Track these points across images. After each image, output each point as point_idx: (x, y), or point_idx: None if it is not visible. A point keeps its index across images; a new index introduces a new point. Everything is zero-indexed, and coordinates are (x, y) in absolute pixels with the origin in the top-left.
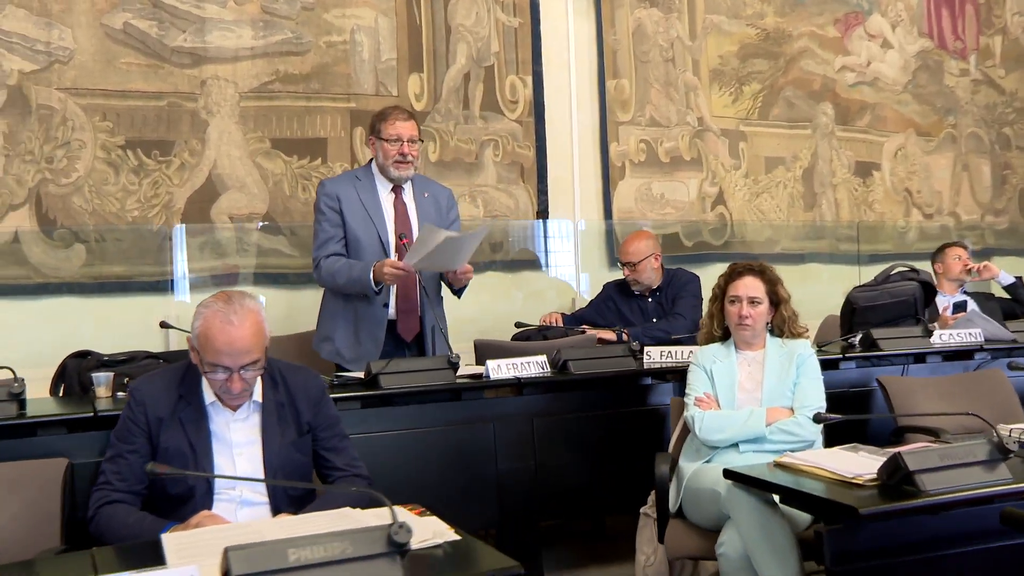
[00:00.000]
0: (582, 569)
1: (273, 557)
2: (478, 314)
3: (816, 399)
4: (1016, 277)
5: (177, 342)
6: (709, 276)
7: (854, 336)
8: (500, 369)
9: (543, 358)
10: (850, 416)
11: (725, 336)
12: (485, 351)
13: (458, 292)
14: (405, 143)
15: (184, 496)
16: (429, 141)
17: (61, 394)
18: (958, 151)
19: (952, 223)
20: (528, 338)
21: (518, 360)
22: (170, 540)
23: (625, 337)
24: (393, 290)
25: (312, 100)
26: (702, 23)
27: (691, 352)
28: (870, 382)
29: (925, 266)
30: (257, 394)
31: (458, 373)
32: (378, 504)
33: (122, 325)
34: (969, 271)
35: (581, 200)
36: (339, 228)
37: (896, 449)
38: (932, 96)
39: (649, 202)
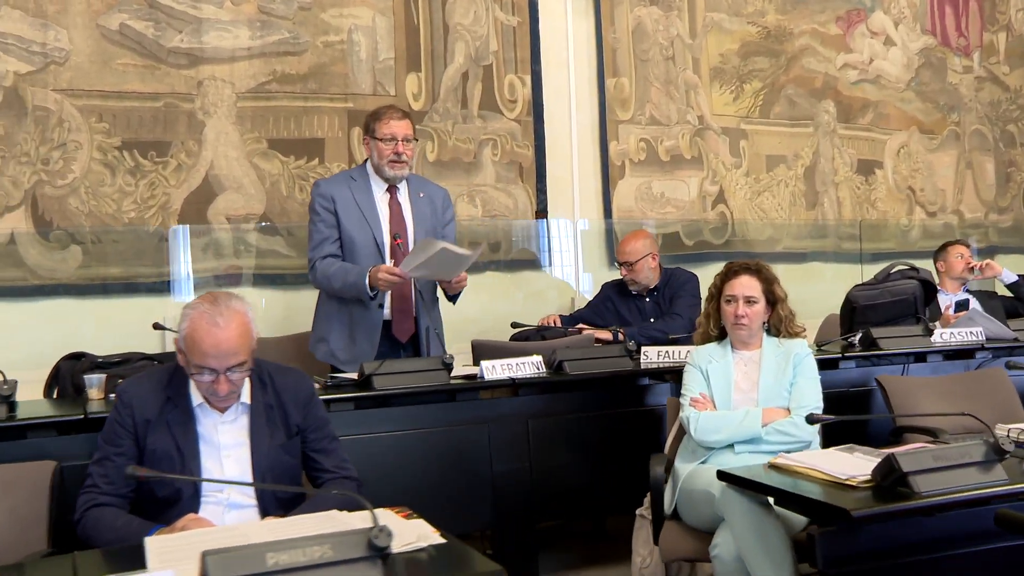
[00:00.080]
0: (580, 570)
1: (251, 561)
2: (478, 314)
3: (813, 399)
4: (1019, 275)
5: (172, 343)
6: (710, 275)
7: (854, 335)
8: (495, 370)
9: (538, 358)
10: (843, 417)
11: (721, 336)
12: (482, 351)
13: (452, 298)
14: (400, 142)
15: (171, 499)
16: (427, 141)
17: (55, 396)
18: (962, 149)
19: (956, 221)
20: (527, 338)
21: (513, 361)
22: (153, 543)
23: (621, 337)
24: (388, 292)
25: (309, 100)
26: (702, 21)
27: (688, 352)
28: (870, 382)
29: (928, 265)
30: (245, 396)
31: (453, 374)
32: (357, 508)
33: (119, 327)
34: (971, 269)
35: (581, 199)
36: (334, 229)
37: (890, 450)
38: (935, 93)
39: (649, 201)
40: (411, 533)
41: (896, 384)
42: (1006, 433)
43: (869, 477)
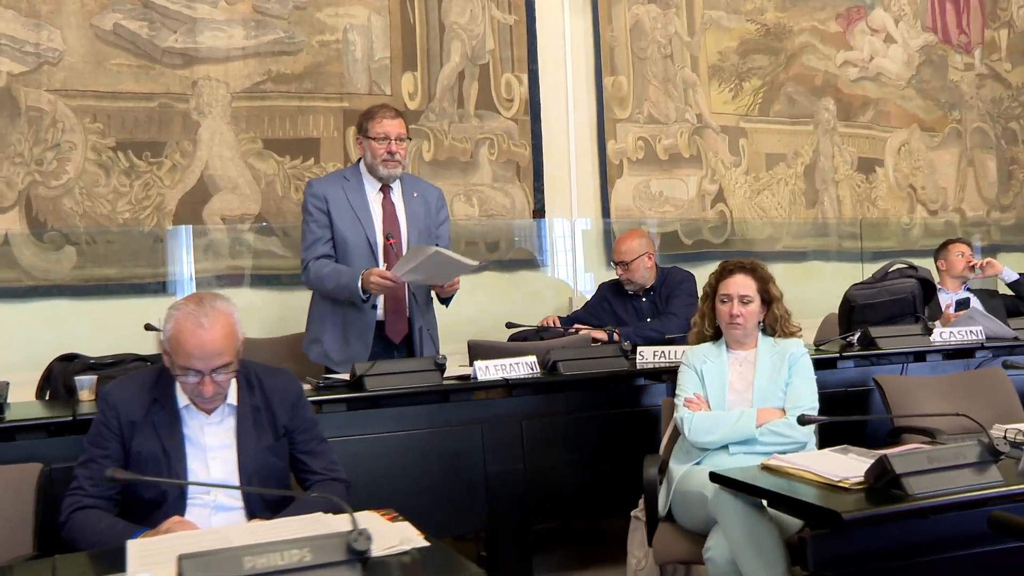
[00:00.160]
0: (575, 572)
1: (227, 565)
2: (475, 314)
3: (808, 400)
4: (1020, 274)
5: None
6: (709, 275)
7: (852, 335)
8: (488, 370)
9: (532, 359)
10: (834, 418)
11: (716, 335)
12: (479, 352)
13: (445, 301)
14: (393, 141)
15: (157, 501)
16: (423, 140)
17: (47, 398)
18: (963, 146)
19: (957, 219)
20: (525, 339)
21: (506, 361)
22: (135, 546)
23: (616, 337)
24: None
25: (305, 100)
26: (701, 19)
27: (683, 352)
28: (869, 381)
29: (929, 263)
30: (232, 397)
31: (447, 374)
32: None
33: (114, 328)
34: (972, 268)
35: (578, 199)
36: (326, 229)
37: (884, 451)
38: (936, 91)
39: (648, 200)
40: (395, 536)
41: (894, 384)
42: (1003, 434)
43: (862, 479)
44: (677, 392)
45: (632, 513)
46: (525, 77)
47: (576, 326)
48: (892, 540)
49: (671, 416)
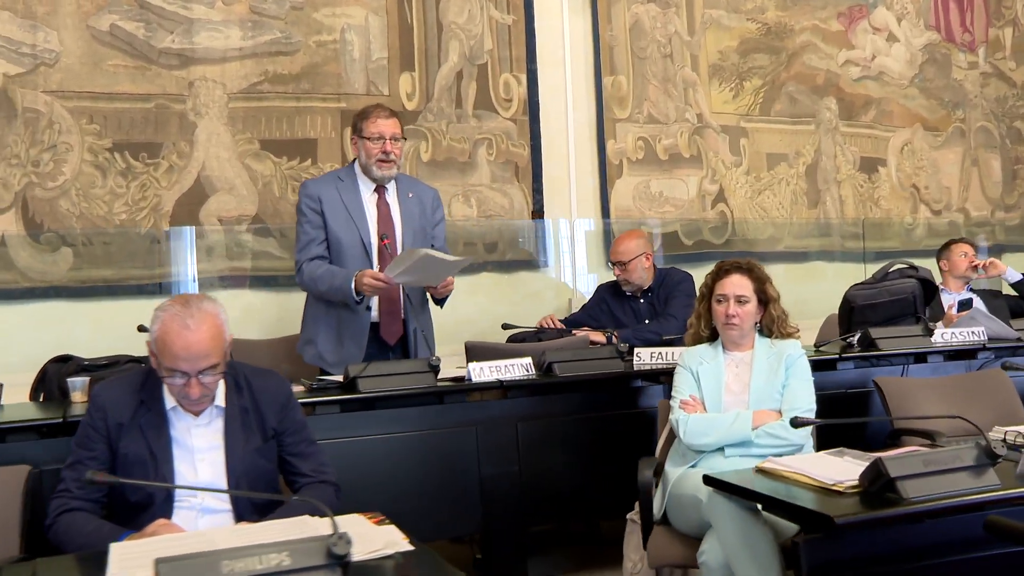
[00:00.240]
0: (571, 575)
1: (205, 569)
2: (474, 315)
3: (805, 401)
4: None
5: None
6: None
7: (852, 336)
8: (483, 372)
9: (528, 360)
10: (827, 420)
11: (713, 337)
12: (476, 353)
13: (440, 302)
14: (388, 141)
15: (143, 504)
16: (421, 141)
17: (41, 399)
18: (967, 146)
19: (961, 219)
20: (524, 340)
21: (501, 363)
22: (117, 550)
23: (615, 339)
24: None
25: (302, 100)
26: (701, 18)
27: (680, 353)
28: (869, 383)
29: (933, 264)
30: (220, 399)
31: (443, 376)
32: (337, 512)
33: (111, 329)
34: (975, 268)
35: (578, 199)
36: (320, 230)
37: (879, 454)
38: (939, 90)
39: (648, 200)
40: (379, 540)
41: (894, 385)
42: (1002, 436)
43: (856, 482)
44: (673, 394)
45: (628, 516)
46: (524, 77)
47: (574, 328)
48: (887, 544)
49: (667, 418)
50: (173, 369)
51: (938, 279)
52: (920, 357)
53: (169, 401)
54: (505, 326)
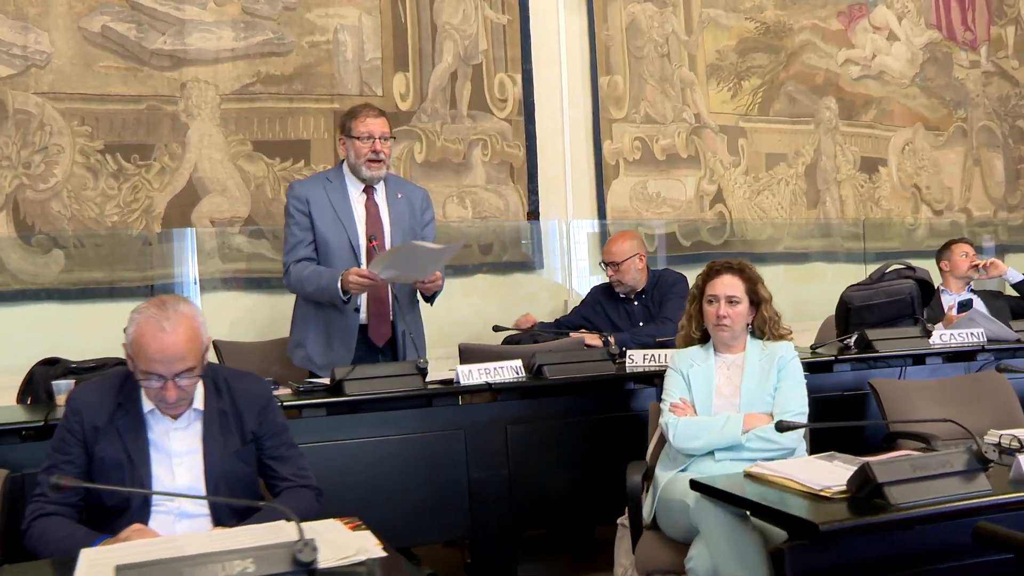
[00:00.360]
0: None
1: None
2: (469, 318)
3: (798, 404)
4: None
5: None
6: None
7: (849, 337)
8: (471, 374)
9: (518, 363)
10: (814, 424)
11: (704, 338)
12: (471, 355)
13: (430, 299)
14: (377, 140)
15: (120, 508)
16: (415, 141)
17: (29, 402)
18: (969, 145)
19: (964, 219)
20: (518, 342)
21: (490, 365)
22: (87, 555)
23: (611, 343)
24: (364, 295)
25: (295, 101)
26: (698, 17)
27: (670, 355)
28: (866, 385)
29: (933, 264)
30: (199, 402)
31: (433, 378)
32: (321, 516)
33: (102, 332)
34: (976, 268)
35: (574, 200)
36: (308, 232)
37: (866, 459)
38: (941, 89)
39: (645, 201)
40: (352, 546)
41: (890, 388)
42: (997, 440)
43: (844, 488)
44: (663, 396)
45: (619, 521)
46: (519, 77)
47: (568, 330)
48: (874, 551)
49: (658, 421)
50: (149, 372)
51: (938, 280)
52: (918, 359)
53: (147, 404)
54: (496, 328)
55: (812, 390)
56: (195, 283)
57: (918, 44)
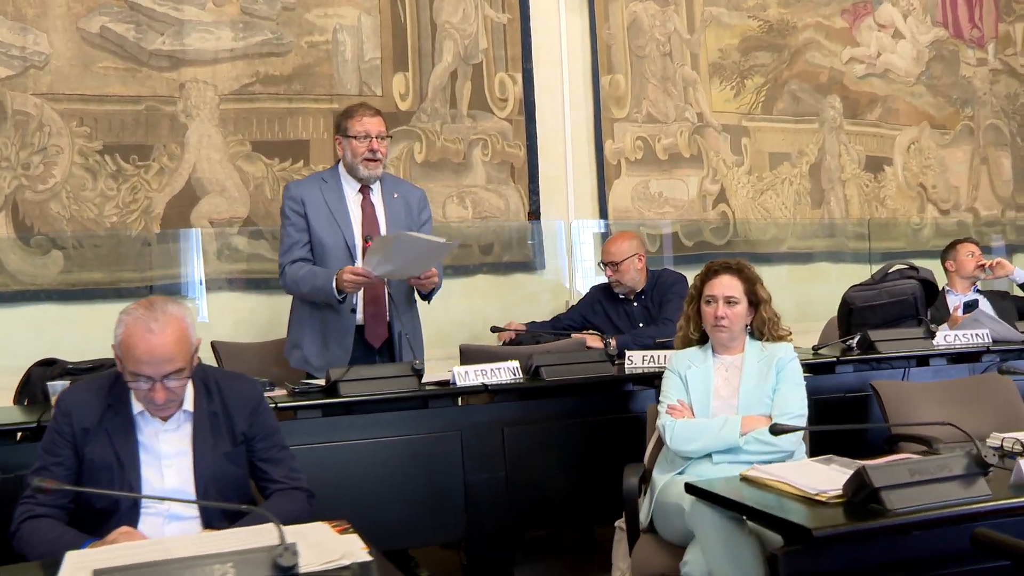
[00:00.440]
0: None
1: None
2: (469, 318)
3: (797, 407)
4: None
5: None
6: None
7: (851, 338)
8: (467, 376)
9: (515, 364)
10: (808, 427)
11: (703, 339)
12: (471, 356)
13: (427, 297)
14: (374, 139)
15: (109, 510)
16: (415, 141)
17: (26, 403)
18: (976, 144)
19: (971, 219)
20: (520, 343)
21: (487, 366)
22: (71, 558)
23: (612, 344)
24: (360, 295)
25: (294, 101)
26: (701, 16)
27: (668, 356)
28: (868, 387)
29: (937, 264)
30: (188, 403)
31: (426, 379)
32: (313, 518)
33: (101, 333)
34: (982, 268)
35: (575, 200)
36: (304, 233)
37: (865, 462)
38: (947, 87)
39: (647, 201)
40: (338, 550)
41: (893, 390)
42: (999, 443)
43: (840, 492)
44: (660, 398)
45: (616, 523)
46: (519, 76)
47: (568, 330)
48: (871, 557)
49: (655, 423)
50: (137, 374)
51: (944, 280)
52: (922, 360)
53: (137, 406)
54: (494, 329)
55: (814, 392)
56: (201, 284)
57: (924, 42)
